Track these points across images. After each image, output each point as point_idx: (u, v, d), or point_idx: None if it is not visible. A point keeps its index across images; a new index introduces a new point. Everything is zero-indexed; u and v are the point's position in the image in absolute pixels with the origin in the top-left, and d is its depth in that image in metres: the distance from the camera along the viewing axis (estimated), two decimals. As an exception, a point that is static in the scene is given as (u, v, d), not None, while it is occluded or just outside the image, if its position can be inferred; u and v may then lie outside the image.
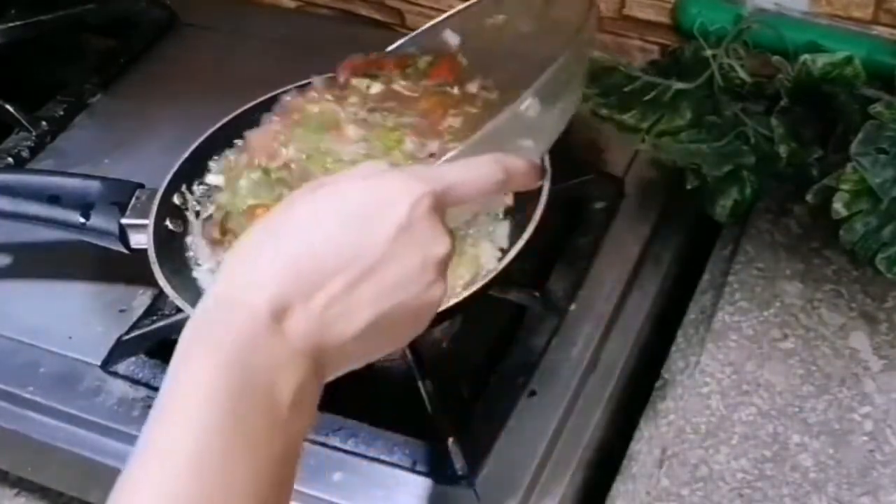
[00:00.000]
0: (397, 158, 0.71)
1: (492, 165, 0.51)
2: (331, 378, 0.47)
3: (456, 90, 0.76)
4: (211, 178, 0.77)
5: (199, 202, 0.77)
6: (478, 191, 0.51)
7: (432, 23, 0.81)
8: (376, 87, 0.77)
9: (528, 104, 0.56)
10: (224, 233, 0.73)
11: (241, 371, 0.42)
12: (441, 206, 0.48)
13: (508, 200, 0.71)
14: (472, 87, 0.76)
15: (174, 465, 0.41)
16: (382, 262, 0.46)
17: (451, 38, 0.80)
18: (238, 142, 0.79)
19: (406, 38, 0.81)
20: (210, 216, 0.75)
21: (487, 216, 0.73)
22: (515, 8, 0.77)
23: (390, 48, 0.81)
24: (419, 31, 0.81)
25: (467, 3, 0.80)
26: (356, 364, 0.49)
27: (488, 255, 0.70)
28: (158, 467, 0.41)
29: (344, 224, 0.46)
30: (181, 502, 0.40)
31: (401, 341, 0.50)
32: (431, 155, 0.71)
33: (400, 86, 0.77)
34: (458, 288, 0.67)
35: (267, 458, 0.42)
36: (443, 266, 0.49)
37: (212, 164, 0.78)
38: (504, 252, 0.70)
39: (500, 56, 0.76)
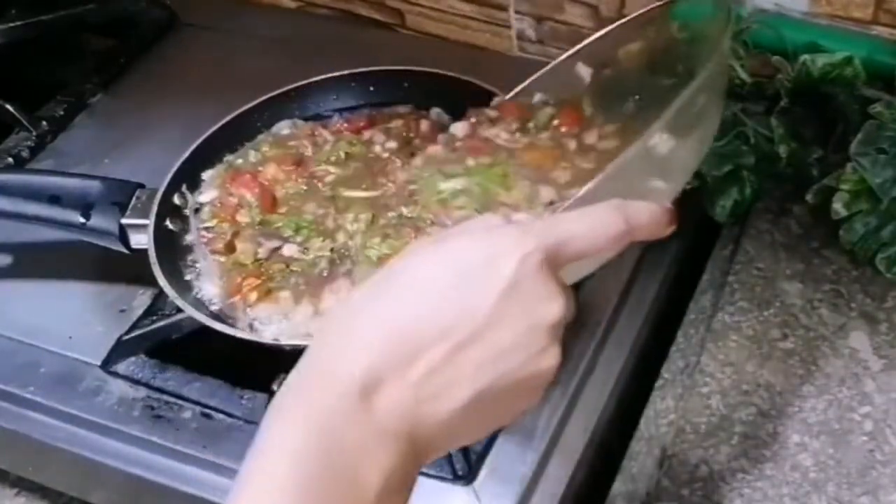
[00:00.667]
0: (514, 198, 0.68)
1: (612, 214, 0.45)
2: (433, 459, 0.43)
3: (573, 143, 0.72)
4: (203, 198, 0.77)
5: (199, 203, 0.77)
6: (595, 244, 0.45)
7: (566, 56, 0.74)
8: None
9: (657, 139, 0.49)
10: (231, 250, 0.73)
11: (326, 447, 0.39)
12: (554, 262, 0.44)
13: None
14: (590, 138, 0.72)
15: None
16: (486, 327, 0.41)
17: (583, 72, 0.73)
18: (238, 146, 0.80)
19: (539, 74, 0.75)
20: (212, 227, 0.75)
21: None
22: (651, 34, 0.70)
23: (520, 87, 0.76)
24: (551, 66, 0.74)
25: (602, 32, 0.72)
26: (459, 444, 0.45)
27: None
28: None
29: (447, 287, 0.42)
30: None
31: (509, 417, 0.45)
32: (551, 203, 0.67)
33: (510, 138, 0.74)
34: None
35: None
36: (555, 330, 0.43)
37: (205, 175, 0.79)
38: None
39: (629, 90, 0.70)
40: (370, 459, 0.40)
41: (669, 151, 0.50)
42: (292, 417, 0.40)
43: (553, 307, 0.43)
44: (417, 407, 0.41)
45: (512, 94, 0.77)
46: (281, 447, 0.39)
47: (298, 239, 0.73)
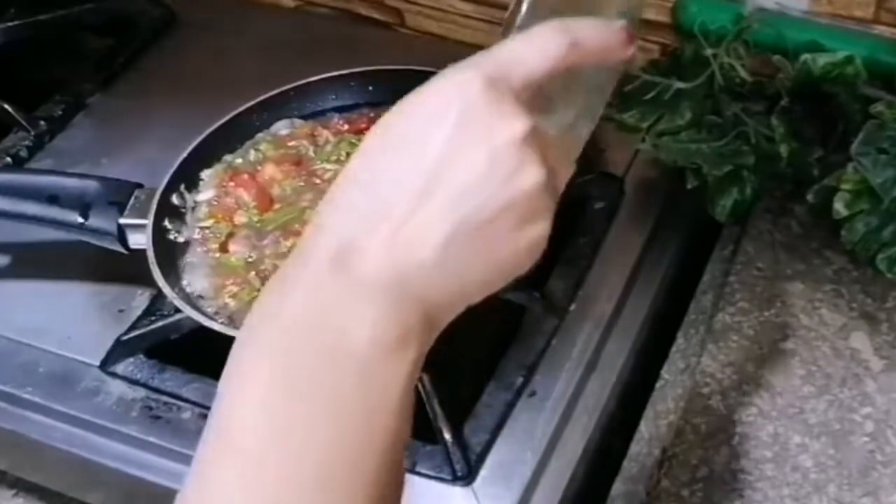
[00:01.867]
0: None
1: (554, 30, 0.42)
2: (445, 315, 0.42)
3: None
4: (201, 197, 0.77)
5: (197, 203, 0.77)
6: (541, 63, 0.42)
7: None
8: None
9: None
10: (225, 250, 0.73)
11: (310, 315, 0.39)
12: (503, 85, 0.41)
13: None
14: None
15: (257, 439, 0.37)
16: (441, 167, 0.40)
17: None
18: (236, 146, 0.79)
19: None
20: (209, 227, 0.75)
21: None
22: None
23: None
24: None
25: None
26: (466, 293, 0.43)
27: None
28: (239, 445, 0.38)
29: (391, 148, 0.41)
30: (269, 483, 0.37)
31: (512, 253, 0.43)
32: None
33: None
34: None
35: (353, 412, 0.38)
36: (525, 145, 0.40)
37: (203, 175, 0.78)
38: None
39: None
40: (355, 314, 0.39)
41: None
42: (271, 297, 0.40)
43: (512, 124, 0.40)
44: (396, 259, 0.39)
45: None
46: (270, 319, 0.40)
47: (289, 243, 0.73)
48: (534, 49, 0.42)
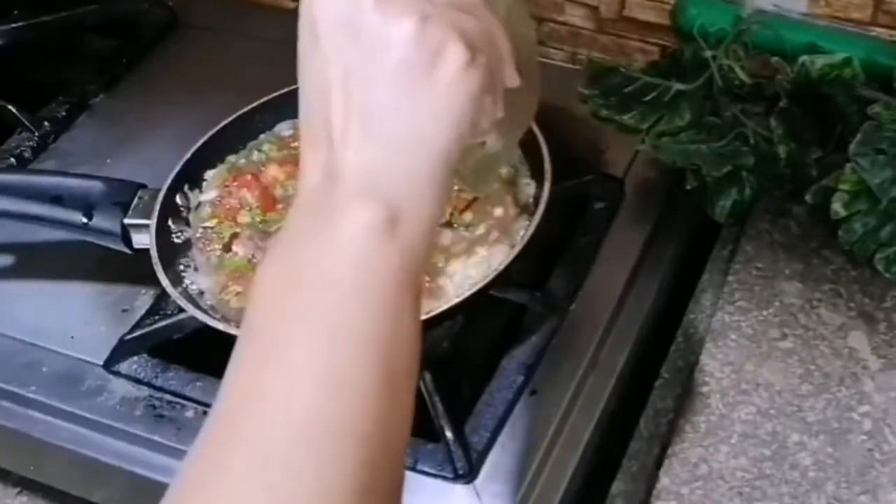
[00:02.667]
0: None
1: None
2: (427, 209, 0.43)
3: None
4: (204, 197, 0.78)
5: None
6: None
7: None
8: None
9: None
10: (228, 250, 0.74)
11: (297, 240, 0.42)
12: None
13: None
14: None
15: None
16: (340, 68, 0.43)
17: None
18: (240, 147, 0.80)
19: None
20: (212, 227, 0.75)
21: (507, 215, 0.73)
22: None
23: None
24: None
25: None
26: (426, 164, 0.43)
27: (501, 255, 0.70)
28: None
29: (301, 78, 0.45)
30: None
31: (463, 115, 0.43)
32: None
33: None
34: (466, 287, 0.68)
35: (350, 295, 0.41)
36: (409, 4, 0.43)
37: (207, 175, 0.79)
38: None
39: None
40: (340, 227, 0.41)
41: None
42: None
43: (401, 24, 0.42)
44: (338, 160, 0.42)
45: None
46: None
47: None
48: None
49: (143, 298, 0.78)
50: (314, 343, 0.40)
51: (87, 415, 0.72)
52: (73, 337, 0.76)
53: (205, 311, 0.69)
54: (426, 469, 0.66)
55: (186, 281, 0.73)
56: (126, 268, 0.78)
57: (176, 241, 0.75)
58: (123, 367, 0.74)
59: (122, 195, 0.76)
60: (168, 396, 0.72)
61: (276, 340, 0.40)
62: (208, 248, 0.74)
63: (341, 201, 0.42)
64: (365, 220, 0.41)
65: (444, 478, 0.65)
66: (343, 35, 0.43)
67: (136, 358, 0.74)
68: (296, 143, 0.81)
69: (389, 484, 0.40)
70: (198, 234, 0.76)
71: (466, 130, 0.44)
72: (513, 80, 0.47)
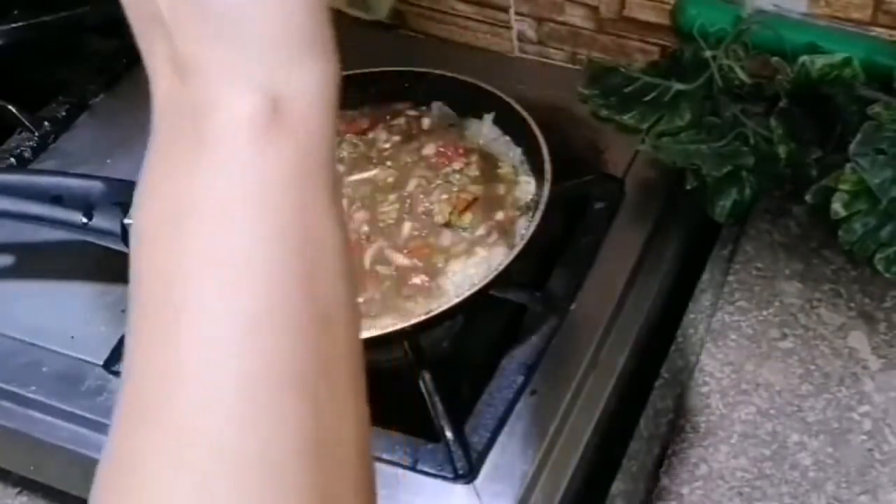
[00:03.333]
0: None
1: None
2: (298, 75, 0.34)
3: None
4: None
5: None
6: None
7: None
8: None
9: None
10: None
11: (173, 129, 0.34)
12: None
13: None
14: None
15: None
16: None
17: None
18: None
19: None
20: None
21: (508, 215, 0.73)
22: None
23: None
24: None
25: None
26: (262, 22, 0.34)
27: (501, 255, 0.70)
28: None
29: None
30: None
31: None
32: None
33: None
34: (465, 288, 0.68)
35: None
36: None
37: None
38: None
39: None
40: (212, 115, 0.33)
41: None
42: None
43: None
44: (185, 49, 0.33)
45: None
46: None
47: None
48: None
49: (143, 298, 0.78)
50: (219, 285, 0.32)
51: (87, 415, 0.72)
52: (73, 337, 0.76)
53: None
54: (426, 469, 0.66)
55: None
56: (126, 268, 0.77)
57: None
58: (123, 367, 0.74)
59: (122, 195, 0.75)
60: (168, 396, 0.72)
61: (173, 291, 0.32)
62: None
63: (204, 102, 0.33)
64: (239, 114, 0.33)
65: (444, 478, 0.65)
66: None
67: (136, 358, 0.74)
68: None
69: (345, 436, 0.34)
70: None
71: None
72: None
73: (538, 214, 0.70)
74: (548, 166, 0.73)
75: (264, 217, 0.33)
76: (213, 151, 0.33)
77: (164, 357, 0.32)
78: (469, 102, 0.81)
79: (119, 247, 0.75)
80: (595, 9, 0.90)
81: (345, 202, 0.74)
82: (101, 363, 0.74)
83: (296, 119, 0.33)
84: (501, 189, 0.76)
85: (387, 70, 0.85)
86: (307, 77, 0.34)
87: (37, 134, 0.93)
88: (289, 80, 0.33)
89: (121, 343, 0.74)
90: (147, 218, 0.34)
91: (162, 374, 0.32)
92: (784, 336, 0.74)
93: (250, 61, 0.33)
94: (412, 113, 0.83)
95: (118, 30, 1.04)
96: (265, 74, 0.33)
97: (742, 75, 0.79)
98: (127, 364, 0.33)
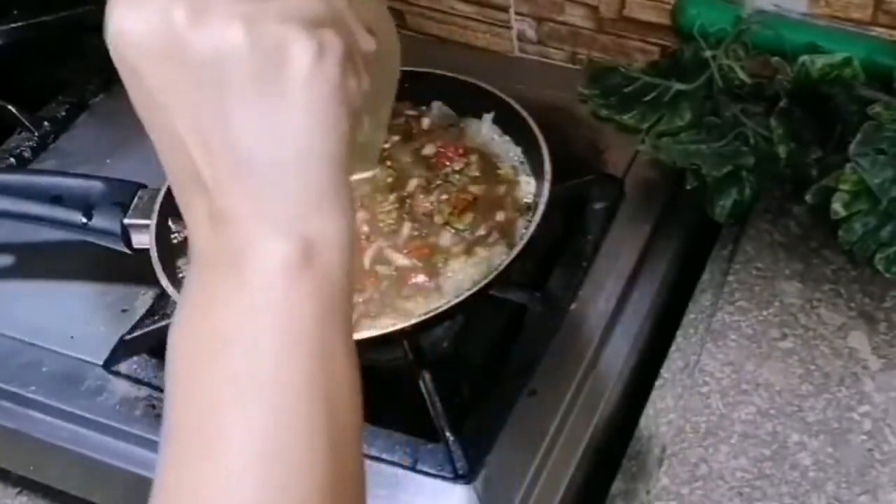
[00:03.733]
0: None
1: None
2: (331, 224, 0.38)
3: None
4: None
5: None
6: None
7: None
8: None
9: None
10: None
11: (206, 275, 0.38)
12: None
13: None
14: None
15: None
16: (184, 119, 0.38)
17: None
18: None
19: None
20: None
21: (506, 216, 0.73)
22: None
23: None
24: None
25: None
26: (301, 178, 0.38)
27: (501, 255, 0.70)
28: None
29: (148, 130, 0.40)
30: None
31: (322, 106, 0.38)
32: None
33: None
34: (465, 288, 0.68)
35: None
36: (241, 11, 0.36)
37: None
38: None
39: None
40: (249, 263, 0.37)
41: None
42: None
43: (224, 35, 0.36)
44: (226, 206, 0.37)
45: None
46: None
47: None
48: None
49: (143, 298, 0.78)
50: (246, 419, 0.36)
51: (87, 415, 0.72)
52: (73, 337, 0.77)
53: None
54: (426, 469, 0.66)
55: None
56: (126, 268, 0.78)
57: (175, 241, 0.75)
58: (123, 367, 0.74)
59: (122, 195, 0.76)
60: (168, 396, 0.72)
61: (204, 422, 0.36)
62: None
63: (243, 248, 0.37)
64: (275, 259, 0.37)
65: (444, 478, 0.65)
66: (167, 69, 0.37)
67: (136, 358, 0.74)
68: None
69: None
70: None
71: (345, 122, 0.38)
72: (368, 43, 0.41)
73: (538, 214, 0.70)
74: (548, 166, 0.72)
75: (294, 352, 0.37)
76: (250, 290, 0.37)
77: (192, 482, 0.36)
78: (469, 102, 0.81)
79: (119, 247, 0.75)
80: (595, 9, 0.90)
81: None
82: (101, 363, 0.74)
83: (323, 262, 0.38)
84: (501, 189, 0.76)
85: (387, 70, 0.85)
86: (330, 225, 0.38)
87: (37, 134, 0.93)
88: (315, 228, 0.38)
89: (121, 343, 0.74)
90: (184, 347, 0.38)
91: (191, 495, 0.36)
92: (784, 336, 0.74)
93: (282, 214, 0.37)
94: (412, 113, 0.83)
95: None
96: (295, 225, 0.37)
97: (742, 75, 0.79)
98: (158, 481, 0.38)
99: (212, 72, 0.37)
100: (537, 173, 0.75)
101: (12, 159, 0.91)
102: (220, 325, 0.37)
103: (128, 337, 0.74)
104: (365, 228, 0.74)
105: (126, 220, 0.74)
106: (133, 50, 0.39)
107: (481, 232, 0.73)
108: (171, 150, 0.39)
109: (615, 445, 0.71)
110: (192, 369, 0.37)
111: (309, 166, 0.38)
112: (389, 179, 0.78)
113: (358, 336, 0.62)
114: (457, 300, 0.66)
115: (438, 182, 0.77)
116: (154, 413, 0.71)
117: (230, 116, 0.37)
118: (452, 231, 0.73)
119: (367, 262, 0.72)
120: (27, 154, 0.92)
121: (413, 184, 0.77)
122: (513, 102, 0.79)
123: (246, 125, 0.37)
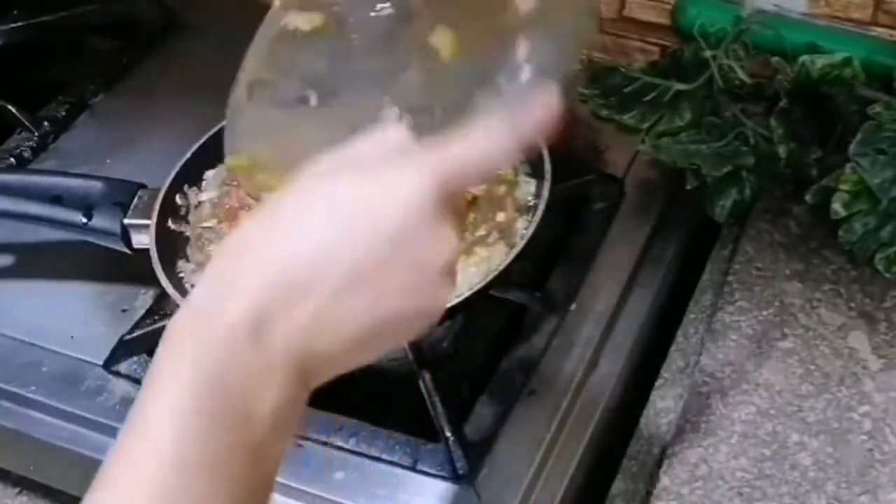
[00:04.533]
0: None
1: (504, 132, 0.43)
2: (321, 382, 0.43)
3: None
4: (204, 197, 0.78)
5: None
6: (490, 167, 0.44)
7: None
8: None
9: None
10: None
11: (215, 386, 0.38)
12: (449, 194, 0.42)
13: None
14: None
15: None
16: (381, 267, 0.40)
17: None
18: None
19: None
20: (211, 227, 0.75)
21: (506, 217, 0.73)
22: None
23: None
24: None
25: None
26: (346, 369, 0.43)
27: (501, 255, 0.70)
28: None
29: (333, 229, 0.40)
30: None
31: (402, 342, 0.46)
32: None
33: None
34: (465, 288, 0.68)
35: (243, 492, 0.38)
36: (450, 266, 0.42)
37: (207, 175, 0.79)
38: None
39: None
40: (261, 396, 0.39)
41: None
42: (175, 371, 0.39)
43: (444, 250, 0.42)
44: (306, 343, 0.40)
45: None
46: (172, 380, 0.39)
47: None
48: (485, 151, 0.43)
49: (143, 298, 0.78)
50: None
51: (87, 415, 0.72)
52: (73, 337, 0.76)
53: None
54: (426, 469, 0.66)
55: (186, 281, 0.73)
56: (126, 268, 0.78)
57: (176, 241, 0.75)
58: (123, 367, 0.74)
59: (122, 195, 0.76)
60: (168, 396, 0.72)
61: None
62: (208, 248, 0.74)
63: (267, 369, 0.39)
64: (283, 402, 0.39)
65: (444, 478, 0.65)
66: (413, 262, 0.41)
67: (136, 358, 0.74)
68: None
69: None
70: (198, 234, 0.76)
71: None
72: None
73: (538, 214, 0.70)
74: (548, 166, 0.72)
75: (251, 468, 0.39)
76: (251, 423, 0.39)
77: None
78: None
79: (119, 247, 0.75)
80: (595, 9, 0.90)
81: None
82: (101, 363, 0.74)
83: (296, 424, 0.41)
84: (501, 189, 0.76)
85: (387, 70, 0.85)
86: (319, 381, 0.42)
87: (36, 134, 0.93)
88: (321, 375, 0.42)
89: (121, 343, 0.74)
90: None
91: None
92: (784, 336, 0.74)
93: (305, 375, 0.41)
94: None
95: (118, 30, 1.05)
96: (303, 388, 0.41)
97: (742, 75, 0.79)
98: None
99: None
100: (537, 173, 0.75)
101: (12, 159, 0.91)
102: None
103: (128, 337, 0.74)
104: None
105: (126, 220, 0.74)
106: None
107: (481, 232, 0.73)
108: (301, 252, 0.41)
109: (615, 445, 0.71)
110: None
111: (372, 351, 0.43)
112: None
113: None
114: (457, 300, 0.66)
115: (438, 182, 0.77)
116: (154, 413, 0.71)
117: (381, 294, 0.41)
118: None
119: None
120: (27, 154, 0.92)
121: None
122: (513, 102, 0.79)
123: (376, 317, 0.41)
